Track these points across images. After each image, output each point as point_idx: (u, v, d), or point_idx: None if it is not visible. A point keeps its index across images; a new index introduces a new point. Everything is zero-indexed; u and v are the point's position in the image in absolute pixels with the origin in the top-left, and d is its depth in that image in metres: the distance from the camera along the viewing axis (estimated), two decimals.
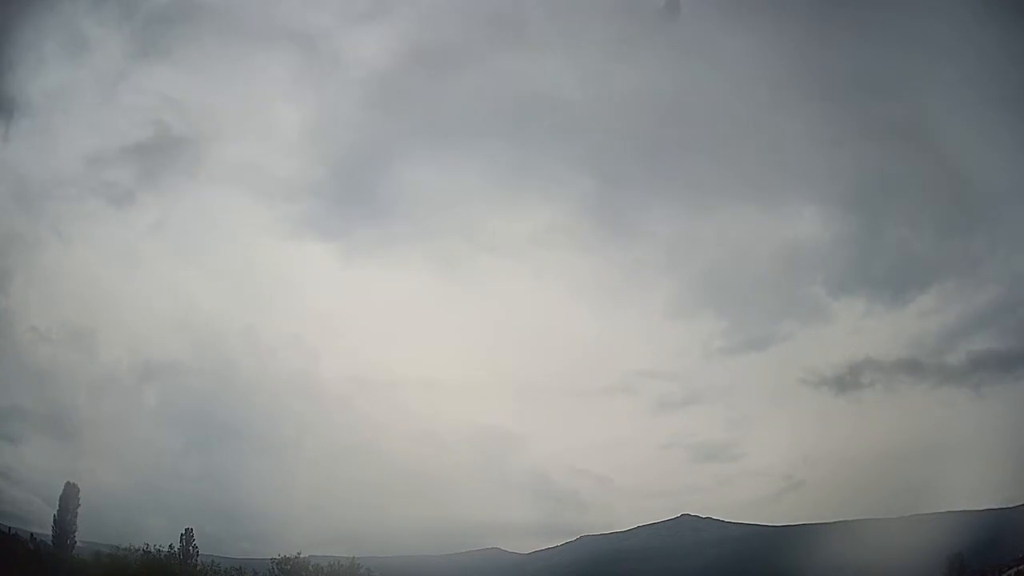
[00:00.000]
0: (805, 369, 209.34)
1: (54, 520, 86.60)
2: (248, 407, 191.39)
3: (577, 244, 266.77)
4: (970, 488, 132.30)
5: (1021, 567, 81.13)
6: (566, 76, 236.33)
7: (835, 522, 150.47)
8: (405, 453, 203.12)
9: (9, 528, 78.62)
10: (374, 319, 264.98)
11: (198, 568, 72.60)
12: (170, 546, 71.43)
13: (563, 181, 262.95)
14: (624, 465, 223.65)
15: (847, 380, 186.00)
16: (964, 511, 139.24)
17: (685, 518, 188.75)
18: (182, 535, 76.15)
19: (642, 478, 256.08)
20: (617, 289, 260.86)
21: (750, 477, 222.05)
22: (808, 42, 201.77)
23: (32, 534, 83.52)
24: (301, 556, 70.08)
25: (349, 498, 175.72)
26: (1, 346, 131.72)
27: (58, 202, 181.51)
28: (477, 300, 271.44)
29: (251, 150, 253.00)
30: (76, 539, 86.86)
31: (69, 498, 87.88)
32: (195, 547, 76.58)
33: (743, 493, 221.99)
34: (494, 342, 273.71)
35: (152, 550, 66.31)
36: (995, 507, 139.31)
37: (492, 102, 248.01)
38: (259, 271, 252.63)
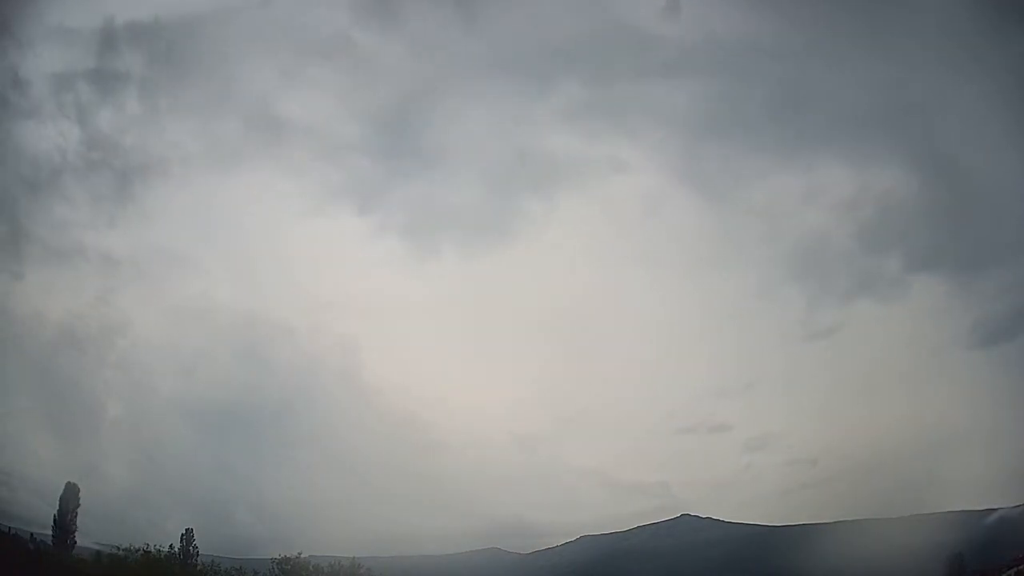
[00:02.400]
0: (869, 359, 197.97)
1: (54, 520, 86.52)
2: (261, 402, 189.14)
3: (658, 218, 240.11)
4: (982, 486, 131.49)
5: (1021, 567, 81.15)
6: (652, 8, 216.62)
7: (835, 522, 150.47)
8: (418, 453, 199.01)
9: (9, 528, 78.58)
10: (410, 307, 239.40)
11: (198, 568, 72.56)
12: (170, 546, 71.52)
13: (645, 135, 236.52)
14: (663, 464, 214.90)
15: (912, 370, 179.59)
16: (964, 511, 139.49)
17: (685, 518, 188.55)
18: (182, 535, 76.39)
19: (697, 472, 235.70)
20: (698, 268, 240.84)
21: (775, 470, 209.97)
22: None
23: (32, 534, 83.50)
24: (301, 556, 70.03)
25: (353, 498, 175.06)
26: (2, 341, 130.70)
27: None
28: (530, 279, 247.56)
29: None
30: (76, 539, 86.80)
31: (69, 498, 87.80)
32: (195, 547, 76.67)
33: (766, 487, 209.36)
34: (541, 330, 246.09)
35: (152, 550, 66.13)
36: (995, 507, 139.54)
37: (567, 35, 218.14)
38: (283, 250, 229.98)
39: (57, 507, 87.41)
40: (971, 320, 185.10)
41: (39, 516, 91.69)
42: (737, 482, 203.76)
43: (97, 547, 77.87)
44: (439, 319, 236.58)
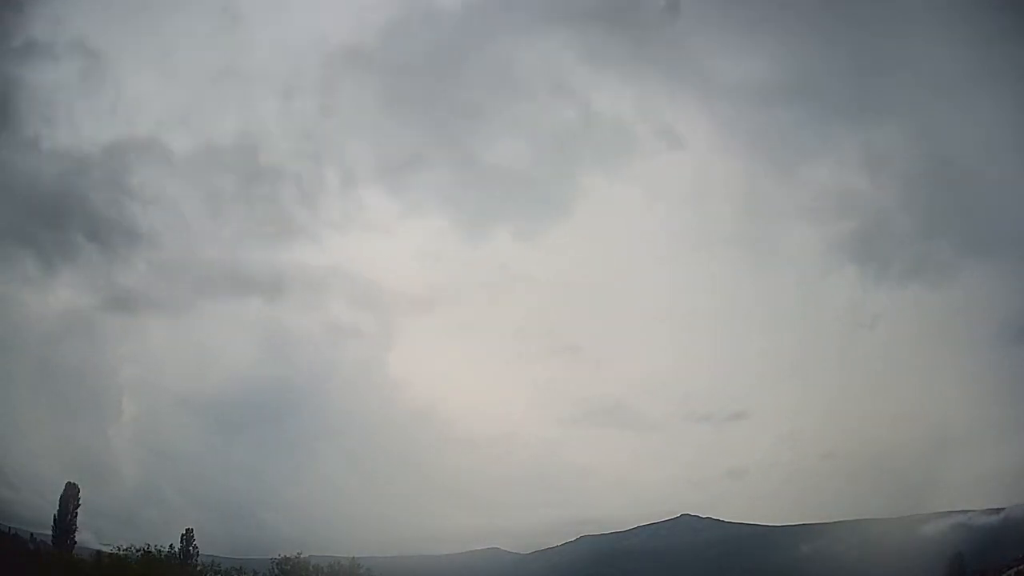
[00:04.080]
0: (905, 351, 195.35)
1: (54, 520, 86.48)
2: (270, 398, 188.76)
3: (713, 194, 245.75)
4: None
5: (1021, 567, 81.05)
6: None
7: (835, 522, 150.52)
8: (421, 452, 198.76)
9: (9, 528, 78.59)
10: (439, 298, 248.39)
11: (198, 568, 72.52)
12: (170, 546, 71.42)
13: (708, 98, 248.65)
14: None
15: (941, 364, 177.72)
16: (964, 511, 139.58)
17: (685, 518, 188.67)
18: (182, 535, 76.35)
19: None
20: (752, 252, 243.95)
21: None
22: None
23: (32, 534, 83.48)
24: (301, 556, 69.96)
25: (355, 497, 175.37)
26: (2, 340, 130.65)
27: None
28: (561, 268, 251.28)
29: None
30: (76, 539, 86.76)
31: (69, 498, 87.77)
32: (195, 547, 76.65)
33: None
34: (563, 326, 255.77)
35: (152, 550, 66.02)
36: (995, 507, 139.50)
37: None
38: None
39: (57, 507, 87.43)
40: (1010, 311, 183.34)
41: (39, 516, 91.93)
42: (747, 479, 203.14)
43: (101, 547, 77.74)
44: (459, 312, 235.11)
